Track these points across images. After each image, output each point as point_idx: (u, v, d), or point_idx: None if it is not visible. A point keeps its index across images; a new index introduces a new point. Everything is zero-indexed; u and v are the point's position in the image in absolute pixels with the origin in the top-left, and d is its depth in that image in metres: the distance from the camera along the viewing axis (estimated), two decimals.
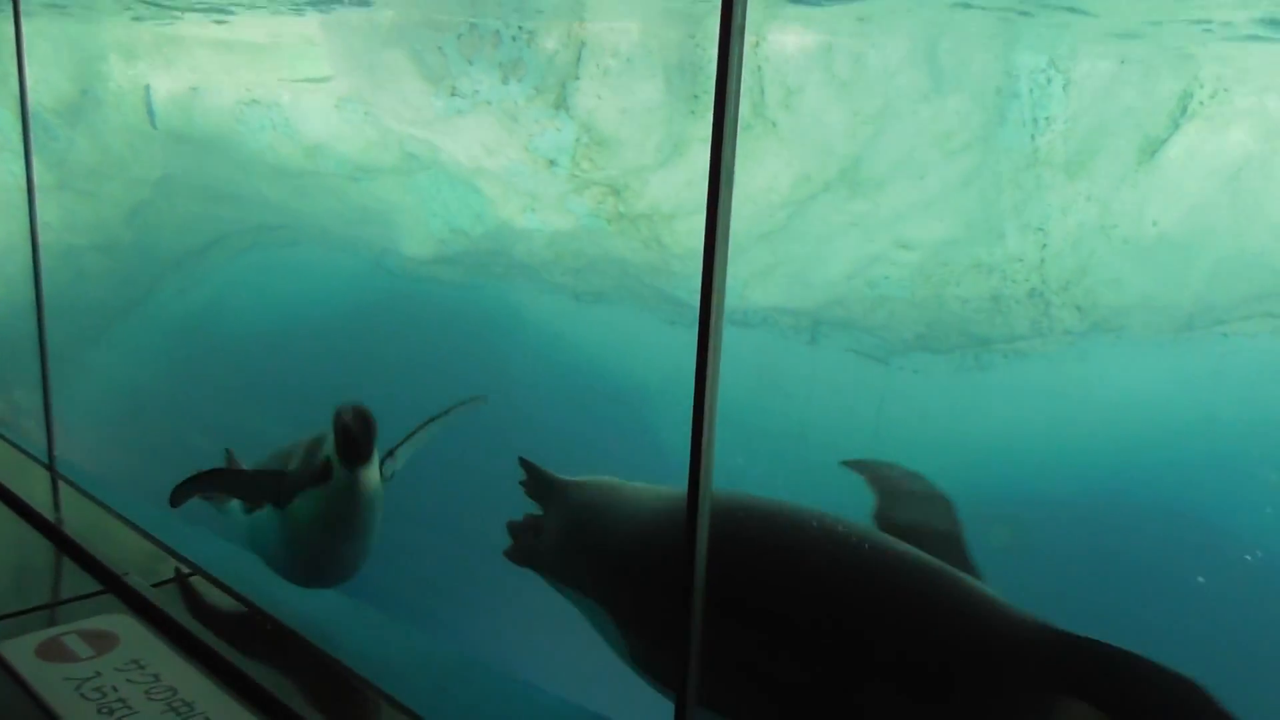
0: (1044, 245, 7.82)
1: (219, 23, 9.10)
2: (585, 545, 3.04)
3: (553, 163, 8.59)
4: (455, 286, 9.56)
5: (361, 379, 8.09)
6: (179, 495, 3.18)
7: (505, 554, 3.26)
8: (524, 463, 3.30)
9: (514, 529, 3.28)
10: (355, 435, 3.05)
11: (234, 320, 9.49)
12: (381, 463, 3.20)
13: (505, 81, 8.30)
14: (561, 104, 8.25)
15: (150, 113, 10.05)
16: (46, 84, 9.67)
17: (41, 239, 3.63)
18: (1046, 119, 7.53)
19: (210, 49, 9.65)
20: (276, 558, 3.36)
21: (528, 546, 3.21)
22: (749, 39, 1.45)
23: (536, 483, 3.28)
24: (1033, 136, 7.55)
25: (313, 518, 3.15)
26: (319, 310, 9.10)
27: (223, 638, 2.62)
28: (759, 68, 7.70)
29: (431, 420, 3.58)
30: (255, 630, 2.93)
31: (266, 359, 8.50)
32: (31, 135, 3.48)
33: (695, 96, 7.96)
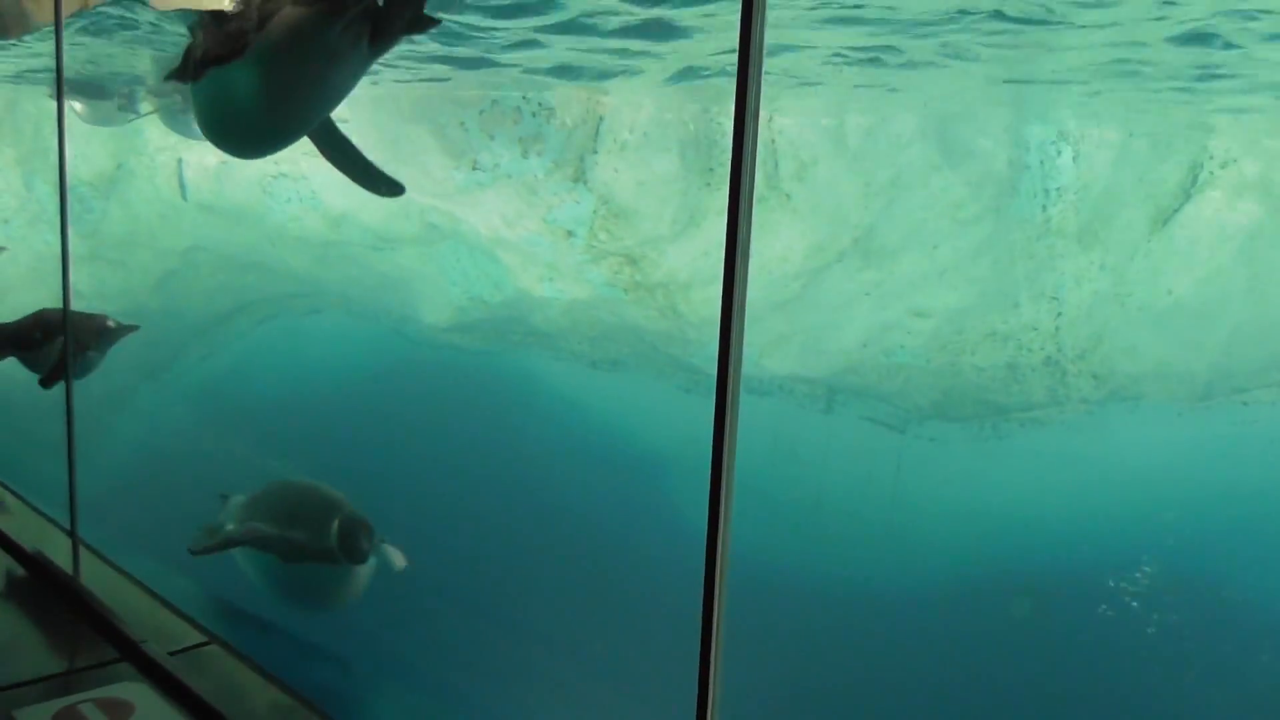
0: (1059, 314, 7.84)
1: None
2: None
3: (571, 233, 8.73)
4: (473, 353, 9.64)
5: (378, 444, 8.12)
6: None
7: None
8: None
9: None
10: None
11: (254, 385, 9.58)
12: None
13: (525, 155, 8.49)
14: (580, 177, 8.42)
15: (181, 185, 10.31)
16: (84, 158, 9.95)
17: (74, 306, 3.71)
18: (1058, 190, 7.61)
19: None
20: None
21: None
22: (762, 115, 1.51)
23: None
24: (1044, 207, 7.63)
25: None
26: (339, 376, 9.18)
27: (239, 709, 2.61)
28: (772, 141, 7.86)
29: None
30: (271, 702, 2.91)
31: (286, 423, 8.55)
32: (69, 207, 3.60)
33: (710, 169, 8.11)
